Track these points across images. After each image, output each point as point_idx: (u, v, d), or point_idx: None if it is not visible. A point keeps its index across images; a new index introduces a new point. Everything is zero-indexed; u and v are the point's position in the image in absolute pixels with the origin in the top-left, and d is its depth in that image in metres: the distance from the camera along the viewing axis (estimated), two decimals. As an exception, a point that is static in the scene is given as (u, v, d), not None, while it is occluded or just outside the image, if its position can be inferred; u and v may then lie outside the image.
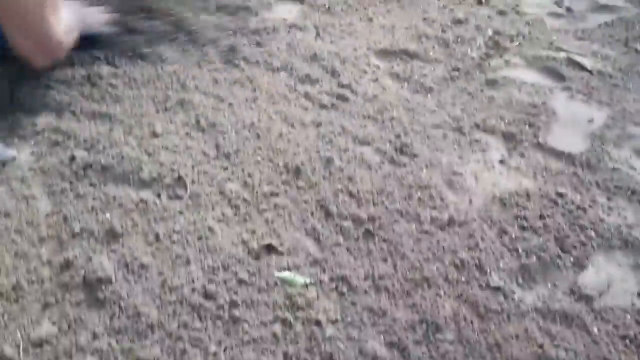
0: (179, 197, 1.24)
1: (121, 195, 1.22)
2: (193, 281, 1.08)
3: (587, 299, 1.13)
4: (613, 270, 1.20)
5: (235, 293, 1.07)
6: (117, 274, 1.07)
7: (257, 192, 1.26)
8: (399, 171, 1.35)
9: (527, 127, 1.54)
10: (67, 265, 1.09)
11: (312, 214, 1.23)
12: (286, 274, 1.10)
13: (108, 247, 1.12)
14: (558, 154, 1.47)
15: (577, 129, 1.56)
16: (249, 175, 1.30)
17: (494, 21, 1.99)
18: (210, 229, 1.17)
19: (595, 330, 1.08)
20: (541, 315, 1.09)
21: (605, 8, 2.14)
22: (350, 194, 1.28)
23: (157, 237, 1.15)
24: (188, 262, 1.11)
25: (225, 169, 1.32)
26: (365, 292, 1.10)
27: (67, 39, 1.43)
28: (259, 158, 1.35)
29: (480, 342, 1.04)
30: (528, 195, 1.33)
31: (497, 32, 1.92)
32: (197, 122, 1.43)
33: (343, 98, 1.56)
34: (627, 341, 1.07)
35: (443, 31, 1.90)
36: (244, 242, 1.16)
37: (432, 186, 1.32)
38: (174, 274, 1.09)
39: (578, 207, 1.31)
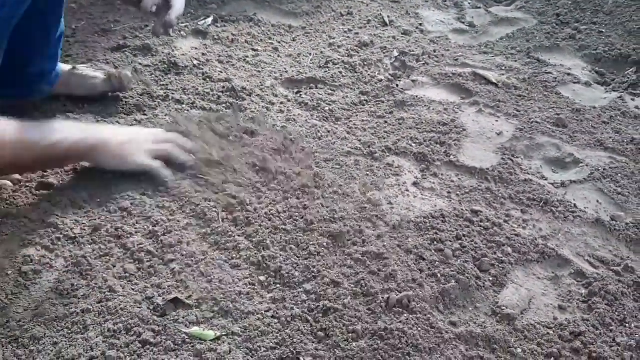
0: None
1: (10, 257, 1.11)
2: (92, 349, 0.98)
3: (509, 319, 1.10)
4: (532, 285, 1.19)
5: (140, 357, 0.98)
6: (4, 350, 0.97)
7: (162, 242, 1.19)
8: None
9: (438, 146, 1.53)
10: (-52, 347, 0.97)
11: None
12: (195, 329, 1.02)
13: (-6, 322, 1.01)
14: (471, 171, 1.46)
15: (488, 144, 1.56)
16: (154, 224, 1.22)
17: (399, 42, 1.99)
18: (111, 289, 1.08)
19: (520, 351, 1.05)
20: (464, 342, 1.06)
21: (505, 21, 2.18)
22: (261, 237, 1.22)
23: (50, 304, 1.05)
24: (86, 328, 1.01)
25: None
26: (282, 338, 1.03)
27: None
28: (165, 204, 1.27)
29: (405, 379, 1.00)
30: (443, 217, 1.31)
31: (403, 53, 1.92)
32: (95, 171, 1.34)
33: (251, 133, 1.51)
34: (552, 359, 1.05)
35: (349, 56, 1.88)
36: (148, 299, 1.07)
37: (346, 217, 1.28)
38: (70, 343, 0.99)
39: (494, 224, 1.30)
